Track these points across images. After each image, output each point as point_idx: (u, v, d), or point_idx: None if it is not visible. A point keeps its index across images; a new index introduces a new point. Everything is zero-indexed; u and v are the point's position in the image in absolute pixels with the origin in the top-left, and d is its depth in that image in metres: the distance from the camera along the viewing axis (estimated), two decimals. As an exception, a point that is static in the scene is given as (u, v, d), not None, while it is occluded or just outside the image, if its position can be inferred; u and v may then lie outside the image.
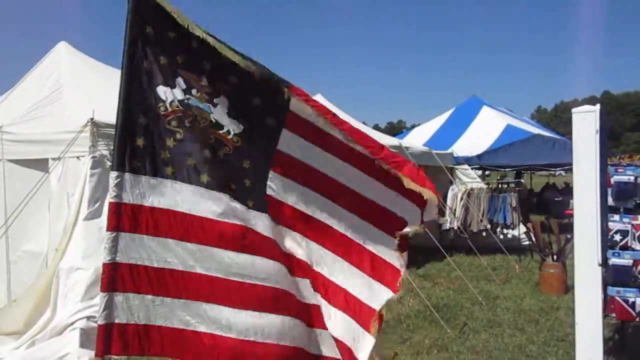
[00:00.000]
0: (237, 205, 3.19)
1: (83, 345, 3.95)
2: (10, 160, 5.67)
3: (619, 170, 4.53)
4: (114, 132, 3.14)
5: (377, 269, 3.30)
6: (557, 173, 28.13)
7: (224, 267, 3.18)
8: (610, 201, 4.49)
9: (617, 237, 4.36)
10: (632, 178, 4.49)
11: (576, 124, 2.24)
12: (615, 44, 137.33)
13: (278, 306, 3.24)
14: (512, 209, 10.78)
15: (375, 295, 3.26)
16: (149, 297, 2.99)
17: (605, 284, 3.81)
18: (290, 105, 3.30)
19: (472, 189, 11.00)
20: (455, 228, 10.72)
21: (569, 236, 8.44)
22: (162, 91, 3.11)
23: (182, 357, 3.02)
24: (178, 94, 3.15)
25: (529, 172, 22.09)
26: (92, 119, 4.91)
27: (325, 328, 3.29)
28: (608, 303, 4.13)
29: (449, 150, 12.38)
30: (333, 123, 3.34)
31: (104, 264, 2.91)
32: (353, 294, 3.29)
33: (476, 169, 13.61)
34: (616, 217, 4.46)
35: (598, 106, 2.23)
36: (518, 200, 11.13)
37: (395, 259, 3.25)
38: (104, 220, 3.98)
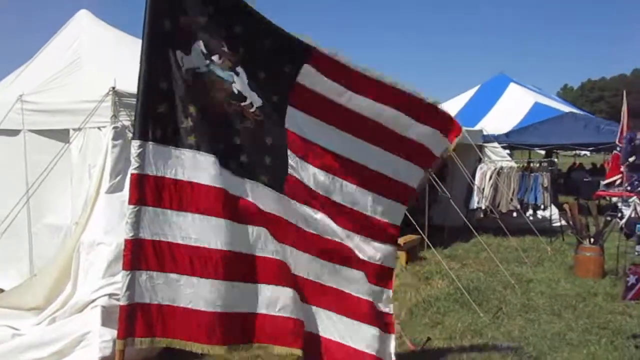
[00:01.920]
0: (241, 180, 3.06)
1: (105, 323, 3.81)
2: (31, 131, 5.53)
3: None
4: (135, 102, 2.93)
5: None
6: (583, 154, 27.29)
7: (245, 243, 3.02)
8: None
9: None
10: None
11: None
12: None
13: (289, 279, 3.16)
14: (543, 189, 10.37)
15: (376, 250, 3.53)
16: (173, 276, 2.80)
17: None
18: (299, 76, 3.14)
19: (501, 168, 10.60)
20: (484, 208, 10.36)
21: (608, 218, 8.06)
22: (180, 57, 2.89)
23: (209, 342, 2.83)
24: (193, 61, 2.93)
25: (555, 151, 21.41)
26: (113, 87, 4.70)
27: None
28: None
29: (478, 127, 11.96)
30: (357, 87, 3.29)
31: (126, 240, 2.69)
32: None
33: (504, 147, 13.17)
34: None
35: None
36: (550, 180, 10.70)
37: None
38: (127, 193, 3.79)
